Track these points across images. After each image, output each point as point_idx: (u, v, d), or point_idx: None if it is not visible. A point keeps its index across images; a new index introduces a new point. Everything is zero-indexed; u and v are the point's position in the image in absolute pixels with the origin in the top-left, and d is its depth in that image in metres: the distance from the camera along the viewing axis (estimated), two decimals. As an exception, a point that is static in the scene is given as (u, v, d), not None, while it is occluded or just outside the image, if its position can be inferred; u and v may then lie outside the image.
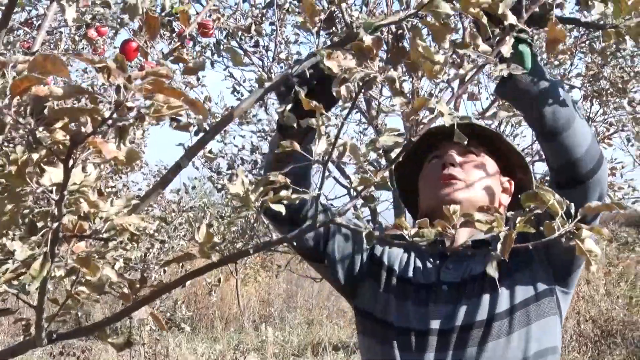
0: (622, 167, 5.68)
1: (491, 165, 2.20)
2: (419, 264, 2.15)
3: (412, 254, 2.18)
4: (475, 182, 2.14)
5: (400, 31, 1.57)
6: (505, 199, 2.22)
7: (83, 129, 1.05)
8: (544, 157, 2.06)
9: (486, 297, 2.03)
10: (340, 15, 4.77)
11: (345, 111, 4.82)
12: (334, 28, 4.94)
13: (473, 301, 2.04)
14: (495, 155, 2.22)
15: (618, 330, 10.01)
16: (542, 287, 2.05)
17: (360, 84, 1.34)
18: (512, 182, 2.24)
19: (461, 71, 1.44)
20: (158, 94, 1.05)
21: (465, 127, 1.83)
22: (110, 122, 1.05)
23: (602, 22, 1.56)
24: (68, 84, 1.12)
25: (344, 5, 4.69)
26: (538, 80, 1.84)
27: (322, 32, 4.85)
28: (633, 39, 1.56)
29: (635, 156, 5.65)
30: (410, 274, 2.14)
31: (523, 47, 1.78)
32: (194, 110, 1.10)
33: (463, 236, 2.09)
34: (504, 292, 2.04)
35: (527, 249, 2.01)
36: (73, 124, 1.07)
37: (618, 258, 15.76)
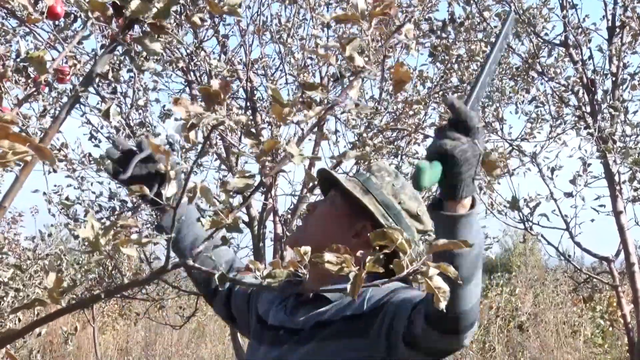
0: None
1: (332, 212, 2.19)
2: (280, 306, 2.21)
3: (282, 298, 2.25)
4: (309, 230, 2.19)
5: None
6: (359, 243, 2.08)
7: None
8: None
9: (305, 349, 2.06)
10: (200, 63, 4.78)
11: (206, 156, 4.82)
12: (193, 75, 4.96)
13: (296, 350, 2.08)
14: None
15: (473, 375, 10.23)
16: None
17: (210, 127, 1.35)
18: (369, 225, 2.13)
19: (310, 112, 1.45)
20: (3, 139, 1.04)
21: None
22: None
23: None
24: None
25: (202, 53, 4.71)
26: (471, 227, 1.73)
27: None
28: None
29: (487, 203, 5.80)
30: (269, 316, 2.22)
31: (422, 163, 1.64)
32: (41, 156, 1.09)
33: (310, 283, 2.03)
34: (326, 350, 2.04)
35: (370, 324, 2.00)
36: None
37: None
